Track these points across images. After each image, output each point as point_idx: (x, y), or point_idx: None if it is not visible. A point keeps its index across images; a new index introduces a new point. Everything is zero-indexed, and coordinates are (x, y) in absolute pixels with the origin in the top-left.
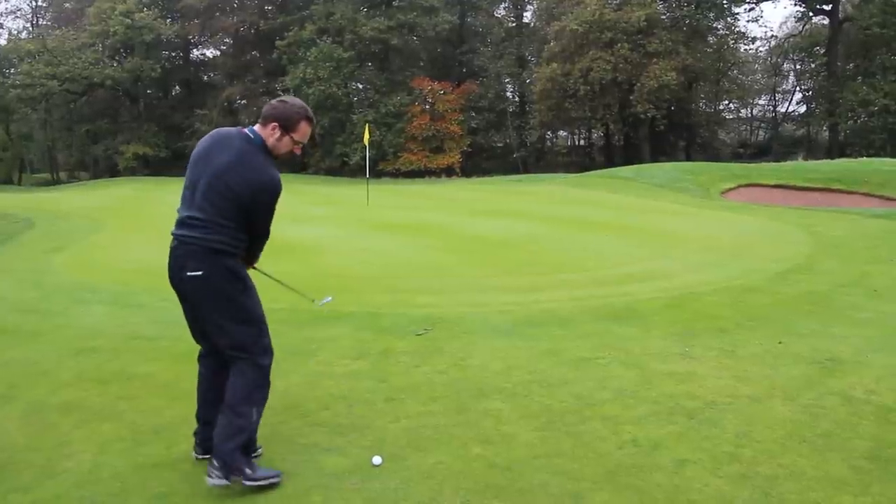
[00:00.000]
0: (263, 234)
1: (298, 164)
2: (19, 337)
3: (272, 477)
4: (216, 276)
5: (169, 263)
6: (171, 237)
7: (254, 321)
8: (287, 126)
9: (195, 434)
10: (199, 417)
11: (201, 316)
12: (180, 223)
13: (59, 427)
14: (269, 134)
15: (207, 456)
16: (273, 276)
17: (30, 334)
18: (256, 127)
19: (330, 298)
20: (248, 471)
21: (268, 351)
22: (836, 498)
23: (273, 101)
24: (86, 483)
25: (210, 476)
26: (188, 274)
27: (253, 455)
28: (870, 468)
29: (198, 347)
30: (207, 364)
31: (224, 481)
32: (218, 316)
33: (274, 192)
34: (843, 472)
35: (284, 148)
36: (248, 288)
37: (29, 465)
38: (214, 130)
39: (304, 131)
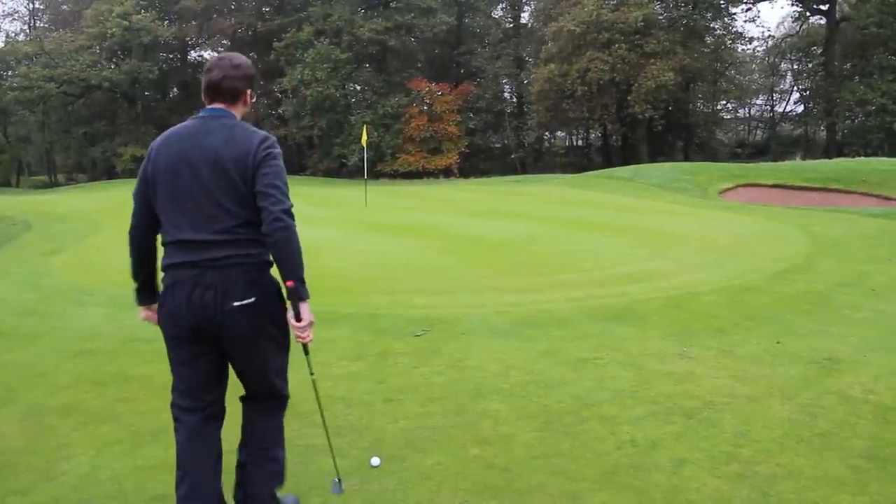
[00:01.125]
0: (282, 195)
1: (296, 166)
2: (17, 339)
3: None
4: (271, 298)
5: (186, 301)
6: (172, 270)
7: (287, 351)
8: (254, 84)
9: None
10: (200, 494)
11: (243, 357)
12: (192, 248)
13: (58, 429)
14: (244, 105)
15: None
16: None
17: (28, 337)
18: (220, 106)
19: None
20: None
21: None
22: (834, 497)
23: (228, 72)
24: (84, 485)
25: None
26: (235, 304)
27: None
28: (868, 467)
29: None
30: (210, 426)
31: None
32: (272, 350)
33: (275, 143)
34: (841, 471)
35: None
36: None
37: (27, 467)
38: (167, 133)
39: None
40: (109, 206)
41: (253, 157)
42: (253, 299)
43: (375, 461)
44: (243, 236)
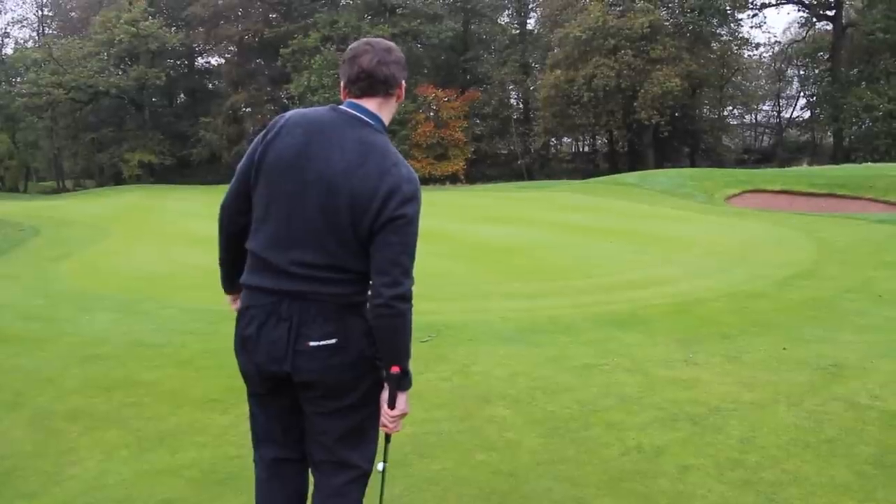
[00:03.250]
0: (406, 268)
1: None
2: (25, 344)
3: None
4: (357, 343)
5: (256, 334)
6: (250, 294)
7: (379, 412)
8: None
9: None
10: None
11: (317, 410)
12: (277, 271)
13: (65, 434)
14: (397, 100)
15: None
16: None
17: (36, 342)
18: (367, 104)
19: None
20: None
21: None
22: (839, 503)
23: (381, 57)
24: (91, 490)
25: None
26: (311, 345)
27: None
28: (874, 474)
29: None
30: (294, 469)
31: None
32: (353, 403)
33: (419, 194)
34: (848, 477)
35: None
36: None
37: (35, 471)
38: (296, 114)
39: None
40: (117, 211)
41: (379, 208)
42: (333, 341)
43: (381, 466)
44: (332, 275)
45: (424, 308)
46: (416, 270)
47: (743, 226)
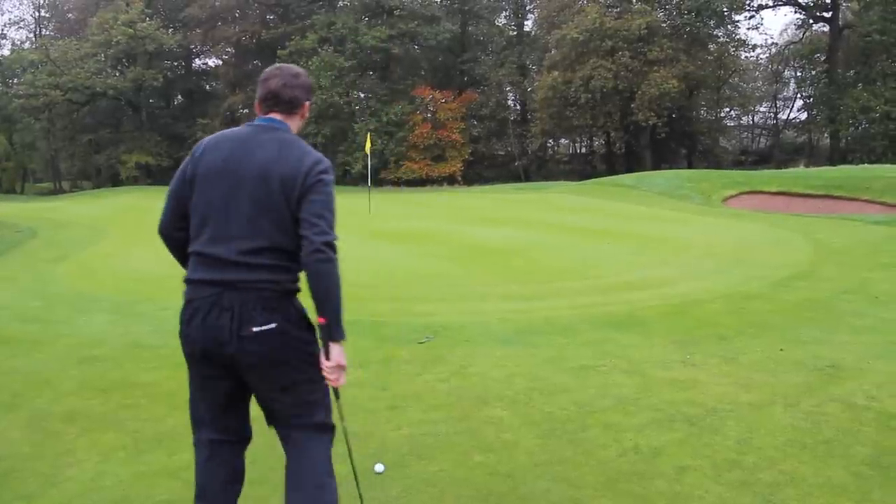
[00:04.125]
0: (326, 225)
1: None
2: (22, 346)
3: None
4: (294, 326)
5: (201, 324)
6: (192, 286)
7: (321, 379)
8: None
9: None
10: None
11: (265, 386)
12: (220, 265)
13: (62, 435)
14: (301, 118)
15: None
16: None
17: (32, 343)
18: (276, 116)
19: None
20: None
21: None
22: None
23: (289, 81)
24: (89, 491)
25: None
26: (254, 330)
27: None
28: (871, 474)
29: None
30: (231, 451)
31: None
32: (294, 378)
33: (330, 169)
34: (845, 478)
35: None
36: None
37: (33, 473)
38: (217, 135)
39: None
40: (114, 213)
41: (303, 179)
42: (272, 326)
43: (379, 468)
44: (270, 261)
45: (421, 309)
46: (413, 271)
47: (740, 227)
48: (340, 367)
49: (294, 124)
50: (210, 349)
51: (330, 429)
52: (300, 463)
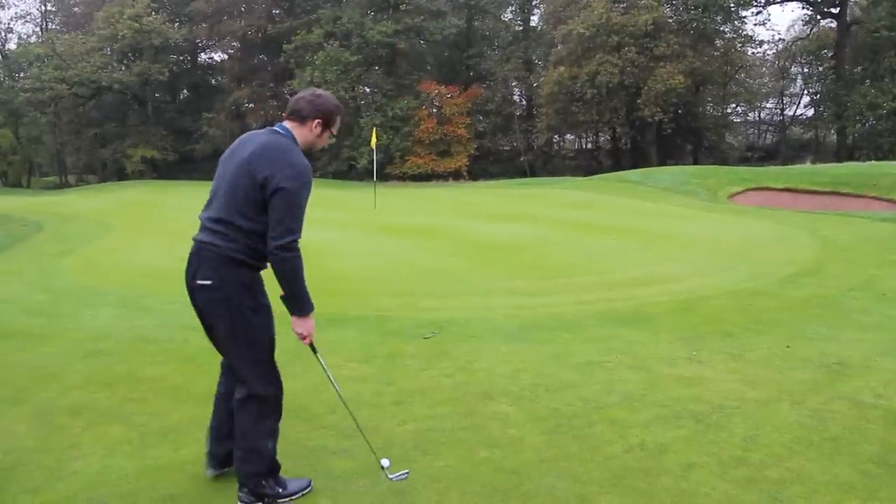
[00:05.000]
0: (283, 230)
1: None
2: (28, 340)
3: (304, 489)
4: (228, 288)
5: (185, 270)
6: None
7: (257, 344)
8: (329, 122)
9: (207, 452)
10: (211, 429)
11: (211, 327)
12: (201, 227)
13: (68, 429)
14: (310, 131)
15: (221, 472)
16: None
17: (38, 337)
18: (287, 123)
19: (405, 474)
20: (279, 490)
21: (269, 380)
22: (843, 502)
23: (306, 96)
24: (94, 485)
25: (240, 501)
26: (198, 282)
27: None
28: (878, 472)
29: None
30: (228, 378)
31: (255, 502)
32: (224, 331)
33: (302, 176)
34: (851, 476)
35: (322, 143)
36: (261, 308)
37: (38, 466)
38: (245, 134)
39: (338, 125)
40: (120, 207)
41: (271, 181)
42: (210, 282)
43: (385, 463)
44: (223, 230)
45: (427, 304)
46: (419, 266)
47: (746, 223)
48: (299, 335)
49: (300, 134)
50: (188, 291)
51: (257, 399)
52: (234, 418)
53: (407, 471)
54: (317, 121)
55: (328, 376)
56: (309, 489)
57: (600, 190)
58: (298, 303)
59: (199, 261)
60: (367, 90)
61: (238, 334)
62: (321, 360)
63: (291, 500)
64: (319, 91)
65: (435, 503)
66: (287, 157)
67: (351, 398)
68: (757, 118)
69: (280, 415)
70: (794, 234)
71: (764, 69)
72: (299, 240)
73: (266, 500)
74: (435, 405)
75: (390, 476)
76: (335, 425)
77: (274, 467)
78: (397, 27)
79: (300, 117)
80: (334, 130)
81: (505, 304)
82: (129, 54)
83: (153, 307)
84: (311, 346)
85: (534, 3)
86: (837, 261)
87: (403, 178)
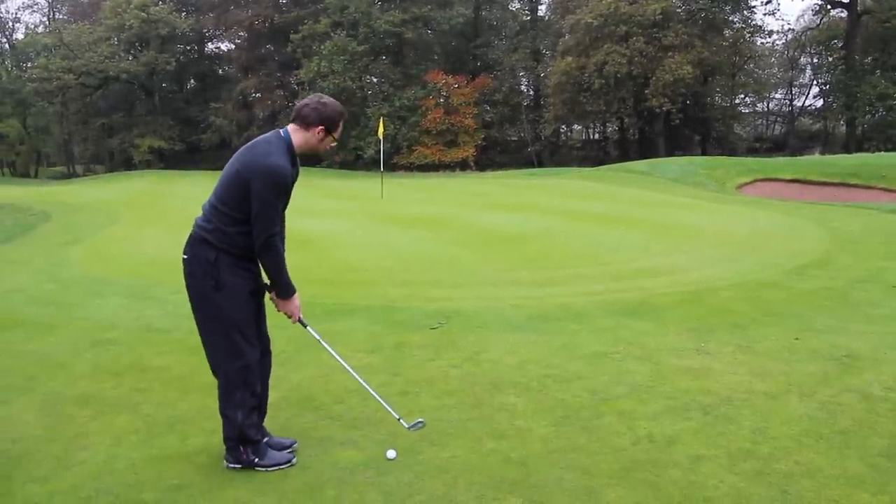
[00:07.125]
0: (260, 229)
1: (312, 158)
2: (36, 329)
3: (281, 463)
4: (195, 264)
5: None
6: None
7: (218, 321)
8: (331, 128)
9: None
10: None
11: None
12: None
13: (76, 419)
14: (313, 136)
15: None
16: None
17: (46, 327)
18: (291, 127)
19: (421, 423)
20: (254, 458)
21: (225, 356)
22: (853, 496)
23: (311, 103)
24: (101, 474)
25: (225, 461)
26: (183, 256)
27: (288, 449)
28: (887, 466)
29: None
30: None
31: (236, 465)
32: (191, 305)
33: (268, 177)
34: (861, 469)
35: (325, 147)
36: (222, 287)
37: (46, 455)
38: None
39: (340, 130)
40: (127, 196)
41: (251, 185)
42: (185, 257)
43: (391, 454)
44: (207, 214)
45: (434, 295)
46: (426, 256)
47: (754, 214)
48: (285, 314)
49: (303, 137)
50: None
51: (221, 376)
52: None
53: (422, 420)
54: (320, 127)
55: (323, 344)
56: (288, 465)
57: (608, 181)
58: (281, 288)
59: (189, 239)
60: (375, 80)
61: (201, 308)
62: (314, 333)
63: (267, 469)
64: (325, 99)
65: (442, 494)
66: (260, 159)
67: (357, 388)
68: (766, 109)
69: (253, 390)
70: (802, 225)
71: (773, 59)
72: (275, 234)
73: (242, 464)
74: (442, 396)
75: (406, 426)
76: (342, 416)
77: (245, 438)
78: (404, 16)
79: (305, 123)
80: (336, 135)
81: (512, 295)
82: (137, 44)
83: (160, 297)
84: (301, 321)
85: None
86: (846, 252)
87: (410, 168)
